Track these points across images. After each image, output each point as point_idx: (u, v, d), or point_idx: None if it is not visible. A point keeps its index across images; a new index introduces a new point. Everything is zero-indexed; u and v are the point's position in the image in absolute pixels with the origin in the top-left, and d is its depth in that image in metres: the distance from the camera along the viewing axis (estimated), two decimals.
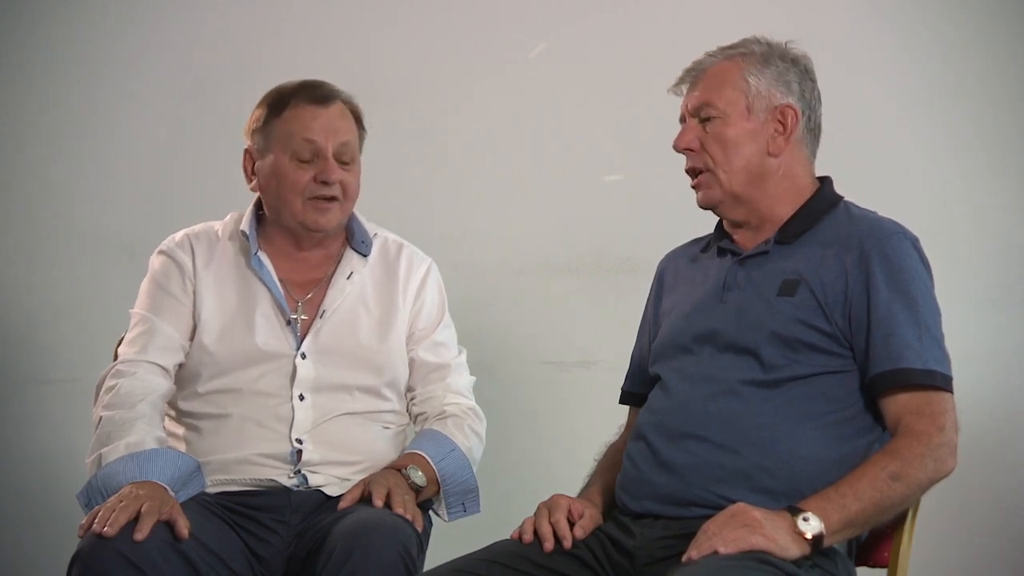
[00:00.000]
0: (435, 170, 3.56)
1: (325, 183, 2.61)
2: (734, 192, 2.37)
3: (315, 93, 2.65)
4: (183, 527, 2.34)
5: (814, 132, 2.41)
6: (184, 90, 3.59)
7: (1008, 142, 3.37)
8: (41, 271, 3.61)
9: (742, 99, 2.36)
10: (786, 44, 2.41)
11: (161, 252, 2.72)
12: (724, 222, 2.46)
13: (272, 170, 2.64)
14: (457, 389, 2.74)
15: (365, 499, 2.48)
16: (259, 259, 2.67)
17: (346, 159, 2.64)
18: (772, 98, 2.37)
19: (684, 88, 2.43)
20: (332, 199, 2.63)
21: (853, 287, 2.27)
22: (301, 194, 2.63)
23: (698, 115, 2.38)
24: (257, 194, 2.71)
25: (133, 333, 2.66)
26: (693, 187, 2.41)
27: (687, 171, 2.41)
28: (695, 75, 2.41)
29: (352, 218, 2.75)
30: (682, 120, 2.42)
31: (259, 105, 2.69)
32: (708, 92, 2.37)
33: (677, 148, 2.40)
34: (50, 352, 3.59)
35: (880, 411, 2.25)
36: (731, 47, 2.40)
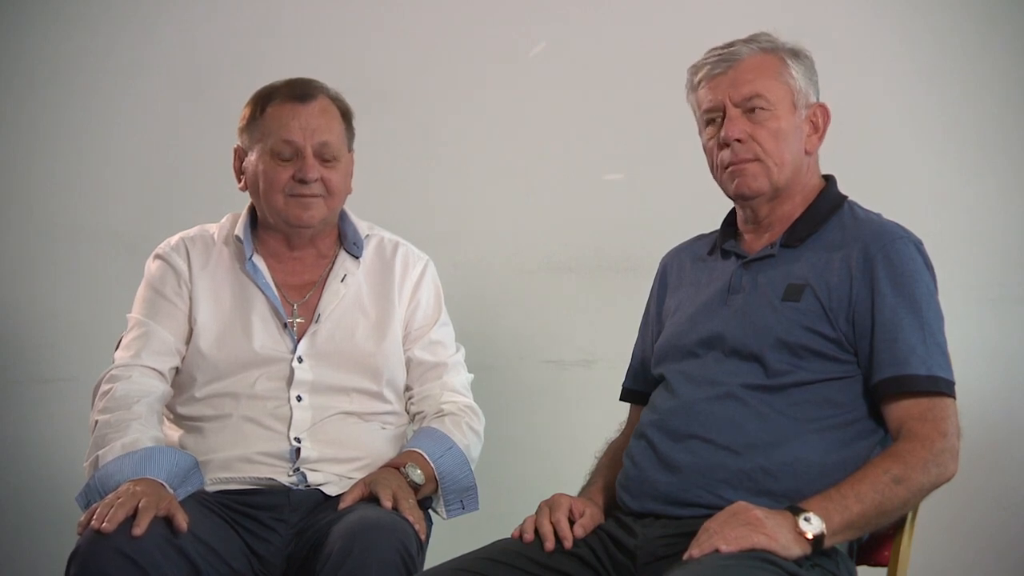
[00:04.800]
0: (435, 169, 3.56)
1: (303, 181, 2.61)
2: (779, 185, 2.36)
3: (295, 91, 2.64)
4: (181, 521, 2.34)
5: None
6: (184, 89, 3.59)
7: (1008, 142, 3.37)
8: (41, 270, 3.60)
9: (788, 93, 2.35)
10: (787, 42, 2.40)
11: (157, 256, 2.72)
12: (738, 219, 2.45)
13: (255, 168, 2.64)
14: (454, 387, 2.74)
15: (366, 499, 2.48)
16: (253, 264, 2.67)
17: (327, 157, 2.62)
18: (808, 95, 2.37)
19: (708, 79, 2.37)
20: (315, 195, 2.63)
21: (857, 291, 2.27)
22: (282, 191, 2.62)
23: (744, 106, 2.34)
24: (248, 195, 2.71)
25: (129, 338, 2.66)
26: (732, 174, 2.36)
27: (729, 161, 2.36)
28: (728, 65, 2.35)
29: (344, 219, 2.75)
30: (716, 111, 2.37)
31: (247, 104, 2.69)
32: (755, 83, 2.34)
33: (728, 138, 2.34)
34: (50, 352, 3.59)
35: (882, 415, 2.25)
36: (754, 39, 2.37)
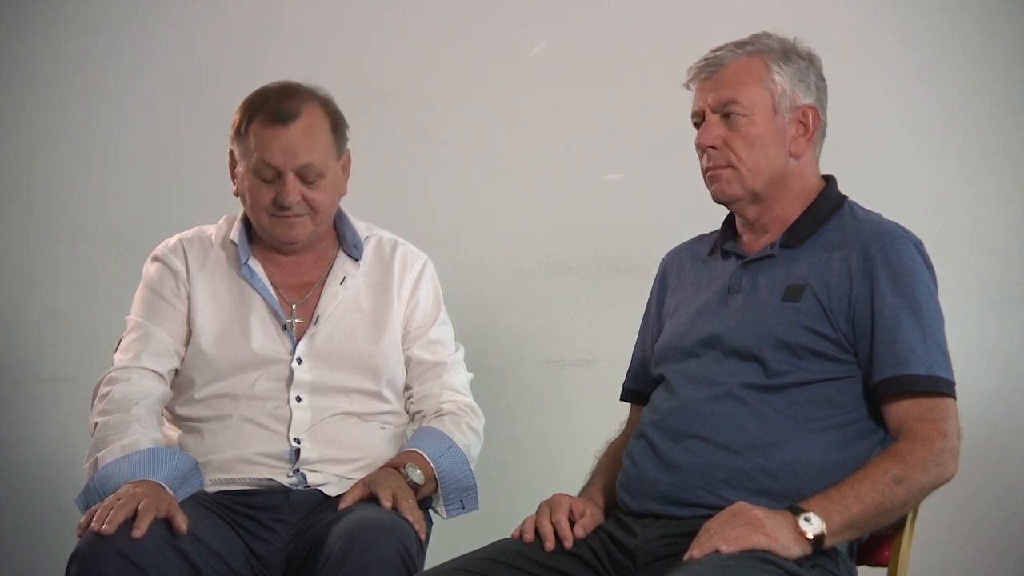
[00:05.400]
0: (435, 169, 3.56)
1: (283, 207, 2.59)
2: (755, 191, 2.36)
3: (277, 111, 2.57)
4: (181, 523, 2.34)
5: (823, 132, 2.40)
6: (184, 89, 3.59)
7: (1008, 142, 3.37)
8: (41, 270, 3.60)
9: (768, 97, 2.34)
10: (794, 41, 2.39)
11: (155, 258, 2.71)
12: (735, 221, 2.45)
13: (242, 182, 2.63)
14: (453, 386, 2.74)
15: (366, 500, 2.48)
16: (250, 268, 2.66)
17: (310, 177, 2.58)
18: (795, 98, 2.35)
19: (697, 83, 2.39)
20: (298, 215, 2.60)
21: (857, 291, 2.26)
22: (265, 211, 2.61)
23: (721, 112, 2.35)
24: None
25: (127, 340, 2.66)
26: (710, 179, 2.37)
27: (707, 167, 2.37)
28: (713, 70, 2.36)
29: (343, 221, 2.73)
30: (698, 116, 2.38)
31: (237, 109, 2.64)
32: (733, 89, 2.34)
33: (701, 145, 2.36)
34: (50, 352, 3.59)
35: (882, 415, 2.25)
36: (746, 42, 2.37)
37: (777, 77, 2.35)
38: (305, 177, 2.58)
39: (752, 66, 2.35)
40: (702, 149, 2.37)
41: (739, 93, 2.34)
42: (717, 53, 2.37)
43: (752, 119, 2.34)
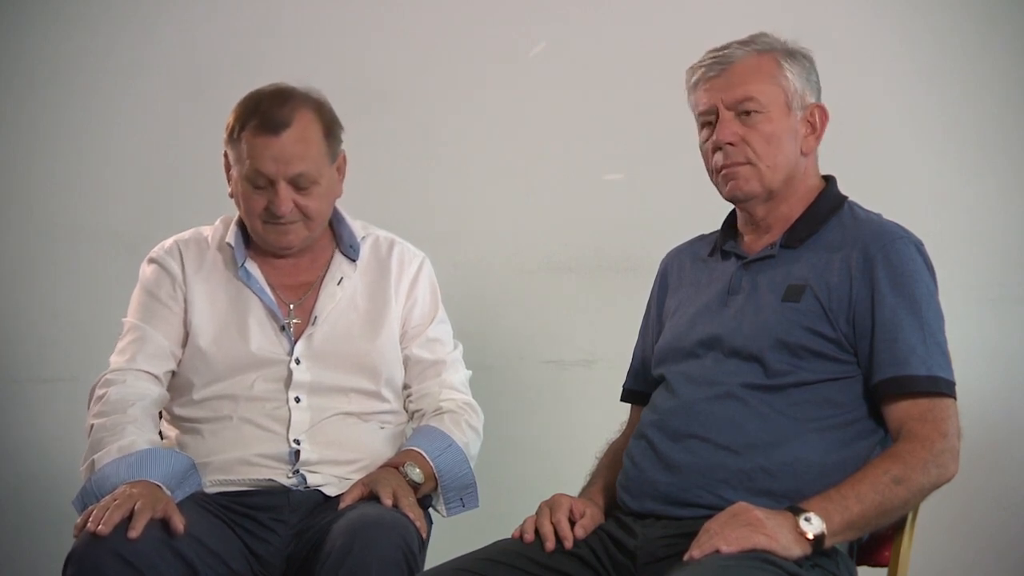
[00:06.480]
0: (435, 169, 3.56)
1: (275, 216, 2.58)
2: (772, 188, 2.35)
3: (269, 119, 2.55)
4: (178, 523, 2.34)
5: None
6: (184, 89, 3.59)
7: (1008, 142, 3.37)
8: (41, 270, 3.60)
9: (781, 95, 2.34)
10: (792, 41, 2.39)
11: (151, 260, 2.71)
12: (738, 221, 2.45)
13: (236, 187, 2.62)
14: (452, 385, 2.73)
15: (366, 499, 2.48)
16: (247, 270, 2.66)
17: (303, 185, 2.57)
18: (805, 96, 2.36)
19: (703, 81, 2.37)
20: (292, 222, 2.60)
21: (857, 292, 2.26)
22: (259, 217, 2.60)
23: (736, 109, 2.34)
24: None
25: (124, 342, 2.66)
26: (725, 177, 2.36)
27: (722, 165, 2.36)
28: (722, 67, 2.35)
29: (340, 221, 2.73)
30: (710, 114, 2.36)
31: (231, 111, 2.62)
32: (747, 86, 2.33)
33: (719, 141, 2.34)
34: (50, 351, 3.59)
35: (882, 415, 2.25)
36: (751, 40, 2.36)
37: (789, 75, 2.35)
38: (298, 185, 2.57)
39: (763, 63, 2.35)
40: (716, 146, 2.35)
41: (755, 90, 2.33)
42: (724, 51, 2.36)
43: (769, 116, 2.33)
